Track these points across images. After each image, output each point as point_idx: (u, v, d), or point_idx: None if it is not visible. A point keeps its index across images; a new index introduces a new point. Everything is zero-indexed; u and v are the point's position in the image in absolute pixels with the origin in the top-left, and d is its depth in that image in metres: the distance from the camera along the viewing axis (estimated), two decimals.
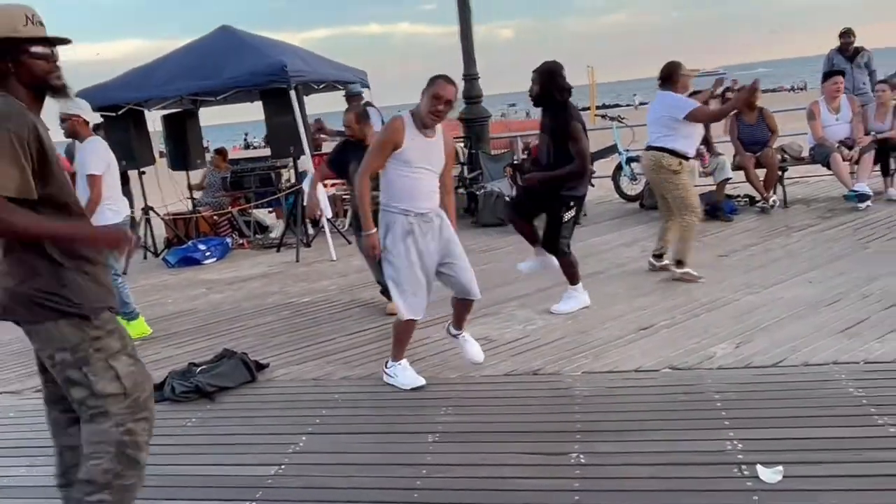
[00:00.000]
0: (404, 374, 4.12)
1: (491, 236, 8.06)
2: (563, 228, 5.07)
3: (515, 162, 9.21)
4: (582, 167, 4.91)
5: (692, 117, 5.44)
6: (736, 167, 7.90)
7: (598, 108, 33.46)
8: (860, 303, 4.74)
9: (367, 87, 10.28)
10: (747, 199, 8.29)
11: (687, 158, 5.64)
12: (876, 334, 4.17)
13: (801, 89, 51.74)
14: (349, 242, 8.22)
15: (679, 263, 5.67)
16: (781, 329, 4.42)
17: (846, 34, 8.90)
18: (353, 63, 15.47)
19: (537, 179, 5.09)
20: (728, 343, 4.29)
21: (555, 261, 5.19)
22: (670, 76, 5.59)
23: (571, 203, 5.06)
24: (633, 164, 9.04)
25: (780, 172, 8.00)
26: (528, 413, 3.67)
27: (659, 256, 5.99)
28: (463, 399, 3.92)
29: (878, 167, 7.89)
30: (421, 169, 3.83)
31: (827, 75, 8.24)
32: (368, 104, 9.09)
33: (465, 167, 9.31)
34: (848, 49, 8.87)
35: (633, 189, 9.28)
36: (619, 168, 9.40)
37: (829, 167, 7.83)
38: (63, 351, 2.38)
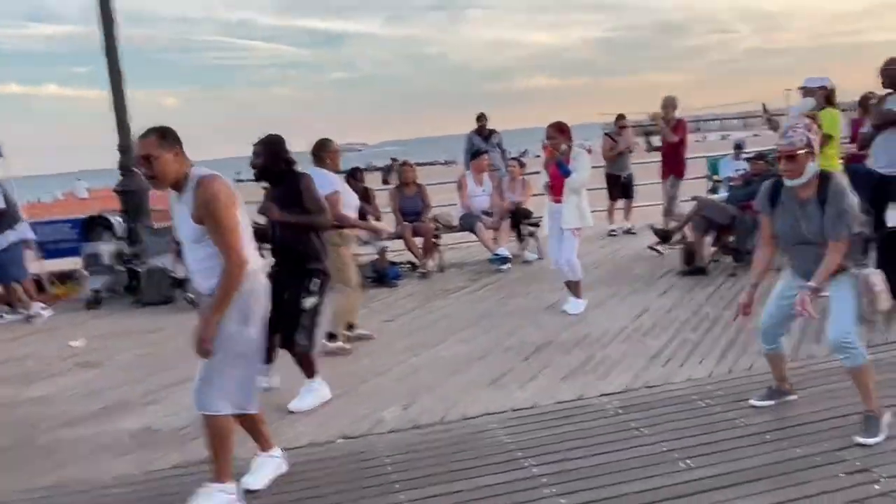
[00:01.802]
0: None
1: (156, 315, 7.54)
2: (304, 317, 4.57)
3: None
4: (331, 217, 4.79)
5: (329, 201, 5.23)
6: (396, 236, 8.49)
7: None
8: (504, 356, 5.32)
9: (1, 155, 9.05)
10: (410, 265, 8.91)
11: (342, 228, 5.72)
12: (518, 383, 4.71)
13: (453, 163, 57.78)
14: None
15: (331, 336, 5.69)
16: (442, 387, 4.77)
17: (481, 118, 10.25)
18: None
19: (278, 217, 4.54)
20: (396, 406, 4.49)
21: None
22: (318, 153, 5.82)
23: (316, 282, 4.63)
24: None
25: (435, 240, 8.78)
26: None
27: (350, 327, 5.93)
28: (135, 500, 3.55)
29: (515, 233, 9.09)
30: (183, 242, 3.35)
31: (476, 153, 9.37)
32: None
33: (125, 241, 8.62)
34: (483, 130, 10.18)
35: None
36: None
37: (475, 233, 8.80)
38: None
